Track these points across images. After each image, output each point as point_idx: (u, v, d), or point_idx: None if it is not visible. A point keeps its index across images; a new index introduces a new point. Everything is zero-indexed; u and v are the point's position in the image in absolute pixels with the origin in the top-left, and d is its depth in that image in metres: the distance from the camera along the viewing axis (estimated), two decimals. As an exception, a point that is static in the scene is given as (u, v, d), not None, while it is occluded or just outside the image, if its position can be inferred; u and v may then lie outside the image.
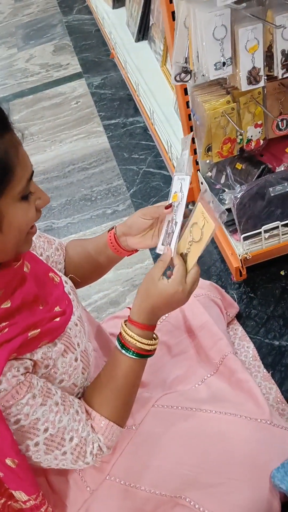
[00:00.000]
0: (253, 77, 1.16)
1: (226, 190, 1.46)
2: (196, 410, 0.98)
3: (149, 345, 0.80)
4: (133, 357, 0.79)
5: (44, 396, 0.70)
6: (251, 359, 1.29)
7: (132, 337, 0.78)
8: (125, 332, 0.79)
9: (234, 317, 1.39)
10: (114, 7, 3.03)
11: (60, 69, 2.88)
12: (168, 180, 1.90)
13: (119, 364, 0.80)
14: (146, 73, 2.24)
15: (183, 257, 0.80)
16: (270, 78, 1.20)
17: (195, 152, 1.48)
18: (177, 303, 0.79)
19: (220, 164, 1.49)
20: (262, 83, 1.17)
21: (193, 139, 1.45)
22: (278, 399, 1.20)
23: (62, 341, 0.77)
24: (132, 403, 0.85)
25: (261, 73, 1.15)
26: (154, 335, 0.82)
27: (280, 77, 1.17)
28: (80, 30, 3.19)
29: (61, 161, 2.19)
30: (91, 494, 0.88)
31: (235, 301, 1.44)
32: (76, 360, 0.79)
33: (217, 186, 1.52)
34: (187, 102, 1.39)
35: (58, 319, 0.76)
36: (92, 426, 0.78)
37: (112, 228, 0.95)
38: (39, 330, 0.71)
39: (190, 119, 1.42)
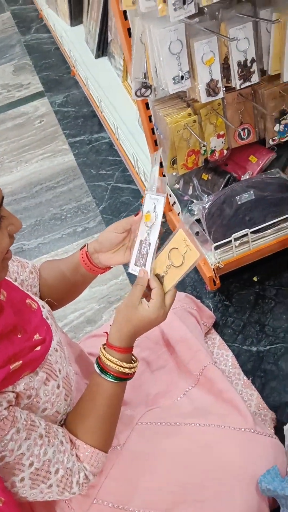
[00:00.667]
0: (211, 89, 1.17)
1: (195, 201, 1.47)
2: (180, 424, 0.97)
3: (130, 368, 0.79)
4: (114, 381, 0.78)
5: (28, 430, 0.69)
6: (230, 367, 1.29)
7: (113, 362, 0.78)
8: (105, 357, 0.78)
9: (211, 326, 1.39)
10: (71, 24, 3.05)
11: (21, 89, 2.87)
12: (137, 195, 1.90)
13: (100, 389, 0.79)
14: (108, 89, 2.25)
15: (159, 279, 0.81)
16: (229, 89, 1.22)
17: (161, 165, 1.49)
18: (156, 324, 0.80)
19: (187, 175, 1.50)
20: (221, 95, 1.19)
21: (158, 152, 1.46)
22: (260, 405, 1.20)
23: (43, 369, 0.76)
24: (115, 426, 0.84)
25: (220, 84, 1.17)
26: (133, 357, 0.82)
27: (238, 87, 1.19)
28: (39, 49, 3.19)
29: (29, 181, 2.17)
30: None
31: (211, 310, 1.45)
32: (58, 387, 0.78)
33: (185, 198, 1.53)
34: (150, 117, 1.40)
35: (38, 348, 0.75)
36: (77, 455, 0.76)
37: (84, 246, 0.94)
38: (21, 362, 0.70)
39: (154, 133, 1.43)
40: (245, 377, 1.27)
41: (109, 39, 2.49)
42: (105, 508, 0.87)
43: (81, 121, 2.46)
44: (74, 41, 2.86)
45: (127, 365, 0.79)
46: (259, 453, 0.95)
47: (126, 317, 0.79)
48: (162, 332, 1.19)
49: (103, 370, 0.78)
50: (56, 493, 0.74)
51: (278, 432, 1.12)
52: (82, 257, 0.93)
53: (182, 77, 1.14)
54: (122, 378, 0.79)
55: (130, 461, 0.91)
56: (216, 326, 1.40)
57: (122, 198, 1.94)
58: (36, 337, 0.77)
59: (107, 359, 0.78)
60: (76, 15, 3.04)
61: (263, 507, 0.93)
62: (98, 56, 2.63)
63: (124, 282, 1.61)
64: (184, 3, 0.96)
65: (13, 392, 0.69)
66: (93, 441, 0.78)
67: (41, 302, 0.87)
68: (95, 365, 0.79)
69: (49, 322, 0.83)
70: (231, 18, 1.11)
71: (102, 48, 2.57)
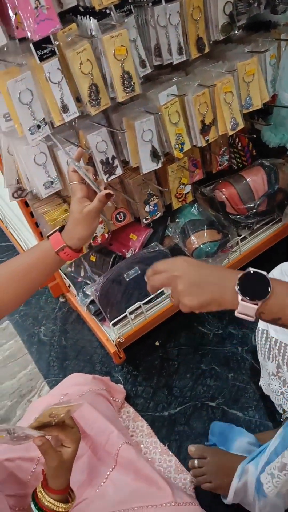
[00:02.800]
0: (81, 186, 1.28)
1: (88, 282, 1.55)
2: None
3: (67, 507, 0.84)
4: None
5: None
6: (146, 437, 1.35)
7: (51, 503, 0.83)
8: (43, 497, 0.83)
9: (124, 399, 1.45)
10: None
11: None
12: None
13: None
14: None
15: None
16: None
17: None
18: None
19: (77, 259, 1.58)
20: (91, 190, 1.30)
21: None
22: (179, 469, 1.27)
23: None
24: None
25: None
26: (70, 494, 0.88)
27: (106, 181, 1.32)
28: None
29: None
30: None
31: (122, 383, 1.51)
32: None
33: (79, 280, 1.61)
34: (31, 212, 1.48)
35: None
36: None
37: (52, 233, 0.96)
38: None
39: (38, 226, 1.50)
40: (161, 444, 1.33)
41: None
42: None
43: None
44: None
45: (65, 505, 0.83)
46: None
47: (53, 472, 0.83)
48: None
49: (41, 509, 0.82)
50: None
51: (199, 493, 1.20)
52: (60, 249, 0.94)
53: (52, 182, 1.23)
54: None
55: None
56: (128, 398, 1.46)
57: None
58: None
59: (46, 500, 0.82)
60: None
61: None
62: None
63: (33, 371, 1.62)
64: (39, 127, 1.06)
65: None
66: None
67: None
68: (32, 503, 0.83)
69: None
70: (87, 126, 1.24)
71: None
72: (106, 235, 1.46)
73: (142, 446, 1.34)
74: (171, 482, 1.16)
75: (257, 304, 0.71)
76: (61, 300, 1.85)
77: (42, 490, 0.84)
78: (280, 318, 0.73)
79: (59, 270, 1.66)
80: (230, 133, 1.36)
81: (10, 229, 1.98)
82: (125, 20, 1.06)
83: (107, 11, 1.05)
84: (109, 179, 1.32)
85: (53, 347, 1.68)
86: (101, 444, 1.18)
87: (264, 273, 0.73)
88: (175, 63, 1.22)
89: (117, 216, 1.46)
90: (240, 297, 0.72)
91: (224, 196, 1.56)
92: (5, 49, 1.01)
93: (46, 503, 0.82)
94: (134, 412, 1.42)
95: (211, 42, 1.25)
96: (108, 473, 1.15)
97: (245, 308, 0.72)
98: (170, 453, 1.30)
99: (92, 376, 1.37)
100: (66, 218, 1.33)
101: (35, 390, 1.56)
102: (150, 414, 1.42)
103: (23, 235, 1.90)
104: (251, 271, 0.74)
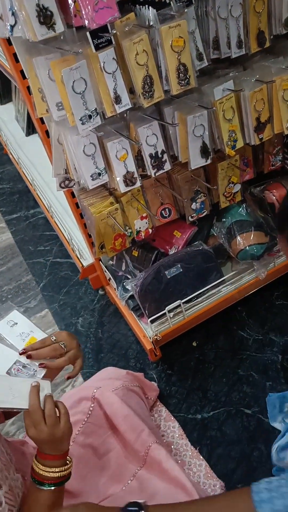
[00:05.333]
0: (128, 180, 1.27)
1: (129, 276, 1.54)
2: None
3: (61, 471, 0.82)
4: (50, 487, 0.80)
5: None
6: (177, 438, 1.33)
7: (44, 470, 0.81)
8: (37, 467, 0.81)
9: (157, 398, 1.43)
10: (1, 103, 3.16)
11: None
12: (75, 269, 1.95)
13: (39, 500, 0.81)
14: (40, 166, 2.33)
15: None
16: (145, 176, 1.32)
17: (93, 244, 1.56)
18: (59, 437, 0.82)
19: (119, 253, 1.57)
20: (138, 184, 1.28)
21: (88, 234, 1.53)
22: (209, 475, 1.24)
23: None
24: None
25: (136, 175, 1.27)
26: (68, 459, 0.85)
27: (153, 176, 1.30)
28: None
29: None
30: None
31: (155, 381, 1.49)
32: (0, 504, 0.78)
33: (120, 274, 1.60)
34: (76, 203, 1.48)
35: None
36: None
37: None
38: None
39: (82, 217, 1.50)
40: (192, 447, 1.30)
41: (37, 118, 2.60)
42: None
43: (16, 197, 2.52)
44: (5, 119, 2.95)
45: (58, 469, 0.82)
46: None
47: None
48: (105, 415, 1.21)
49: (38, 481, 0.81)
50: None
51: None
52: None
53: (99, 174, 1.22)
54: (57, 483, 0.82)
55: None
56: (161, 397, 1.44)
57: (61, 273, 1.99)
58: None
59: (39, 468, 0.81)
60: (5, 94, 3.16)
61: None
62: (28, 133, 2.72)
63: (68, 361, 1.62)
64: (90, 117, 1.05)
65: None
66: None
67: None
68: (31, 478, 0.81)
69: None
70: (138, 118, 1.22)
71: (32, 126, 2.68)
72: (150, 230, 1.44)
73: (172, 447, 1.31)
74: (199, 487, 1.13)
75: None
76: (100, 292, 1.85)
77: (35, 461, 0.83)
78: None
79: (100, 262, 1.65)
80: (286, 132, 1.30)
81: (55, 219, 1.99)
82: (185, 11, 1.03)
83: (167, 1, 1.02)
84: (157, 174, 1.29)
85: (89, 339, 1.68)
86: (130, 441, 1.16)
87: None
88: (233, 57, 1.18)
89: (163, 211, 1.44)
90: None
91: (274, 198, 1.51)
92: (62, 37, 1.00)
93: (40, 472, 0.81)
94: (166, 412, 1.40)
95: (272, 37, 1.20)
96: (136, 471, 1.13)
97: None
98: (201, 457, 1.27)
99: (126, 372, 1.35)
100: (111, 211, 1.32)
101: (69, 381, 1.57)
102: (183, 415, 1.39)
103: (68, 225, 1.91)
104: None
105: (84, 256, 1.78)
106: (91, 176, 1.22)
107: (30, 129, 2.69)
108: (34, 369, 0.89)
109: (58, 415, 0.83)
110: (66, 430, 0.82)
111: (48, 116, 1.20)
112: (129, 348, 1.61)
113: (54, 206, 2.04)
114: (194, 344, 1.57)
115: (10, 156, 2.67)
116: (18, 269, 2.07)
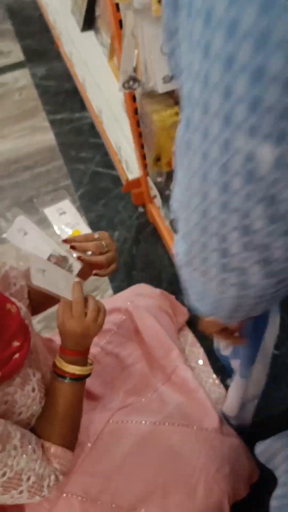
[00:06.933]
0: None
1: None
2: (149, 423, 1.00)
3: (84, 370, 0.83)
4: (70, 381, 0.81)
5: (4, 442, 0.70)
6: (201, 365, 1.33)
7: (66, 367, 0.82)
8: (59, 362, 0.82)
9: (185, 323, 1.41)
10: (57, -8, 2.92)
11: (1, 57, 2.75)
12: (117, 181, 1.89)
13: (59, 392, 0.82)
14: (93, 67, 2.18)
15: None
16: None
17: (144, 157, 1.48)
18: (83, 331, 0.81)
19: (172, 170, 1.49)
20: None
21: (142, 144, 1.44)
22: (227, 404, 1.25)
23: (19, 374, 0.77)
24: (79, 424, 0.87)
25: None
26: (89, 360, 0.85)
27: None
28: (22, 14, 3.05)
29: (5, 159, 2.11)
30: (48, 511, 0.89)
31: (185, 306, 1.47)
32: (33, 390, 0.79)
33: (167, 192, 1.53)
34: (136, 109, 1.38)
35: (17, 355, 0.75)
36: (47, 459, 0.78)
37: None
38: (0, 373, 0.70)
39: (139, 125, 1.41)
40: (214, 376, 1.31)
41: (96, 13, 2.40)
42: (73, 500, 0.90)
43: (62, 97, 2.40)
44: (59, 10, 2.74)
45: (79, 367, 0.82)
46: (224, 452, 1.00)
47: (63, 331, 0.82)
48: (135, 329, 1.21)
49: (58, 374, 0.82)
50: (27, 497, 0.75)
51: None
52: None
53: (173, 77, 1.12)
54: (77, 378, 0.82)
55: (99, 458, 0.94)
56: (189, 323, 1.43)
57: (101, 184, 1.92)
58: (15, 343, 0.77)
59: (61, 363, 0.82)
60: (62, -19, 2.91)
61: (225, 504, 0.98)
62: (84, 29, 2.53)
63: (100, 272, 1.61)
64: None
65: None
66: (61, 440, 0.80)
67: (18, 304, 0.87)
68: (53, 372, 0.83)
69: (26, 322, 0.83)
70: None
71: (89, 22, 2.48)
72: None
73: (194, 372, 1.32)
74: (219, 413, 1.14)
75: None
76: (140, 210, 1.79)
77: (59, 358, 0.83)
78: None
79: (147, 178, 1.58)
80: None
81: (104, 127, 1.89)
82: None
83: None
84: None
85: (123, 254, 1.65)
86: (158, 357, 1.16)
87: None
88: None
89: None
90: None
91: None
92: None
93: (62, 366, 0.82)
94: (192, 338, 1.39)
95: None
96: (158, 386, 1.14)
97: None
98: (222, 386, 1.28)
99: (160, 291, 1.33)
100: (175, 123, 1.23)
101: (98, 290, 1.56)
102: (209, 344, 1.39)
103: (116, 134, 1.82)
104: None
105: (131, 169, 1.71)
106: (163, 78, 1.11)
107: (87, 25, 2.50)
108: (70, 263, 0.86)
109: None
110: (98, 329, 0.82)
111: (126, 3, 1.07)
112: (163, 271, 1.59)
113: (104, 112, 1.92)
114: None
115: (62, 51, 2.51)
116: (57, 173, 2.00)
